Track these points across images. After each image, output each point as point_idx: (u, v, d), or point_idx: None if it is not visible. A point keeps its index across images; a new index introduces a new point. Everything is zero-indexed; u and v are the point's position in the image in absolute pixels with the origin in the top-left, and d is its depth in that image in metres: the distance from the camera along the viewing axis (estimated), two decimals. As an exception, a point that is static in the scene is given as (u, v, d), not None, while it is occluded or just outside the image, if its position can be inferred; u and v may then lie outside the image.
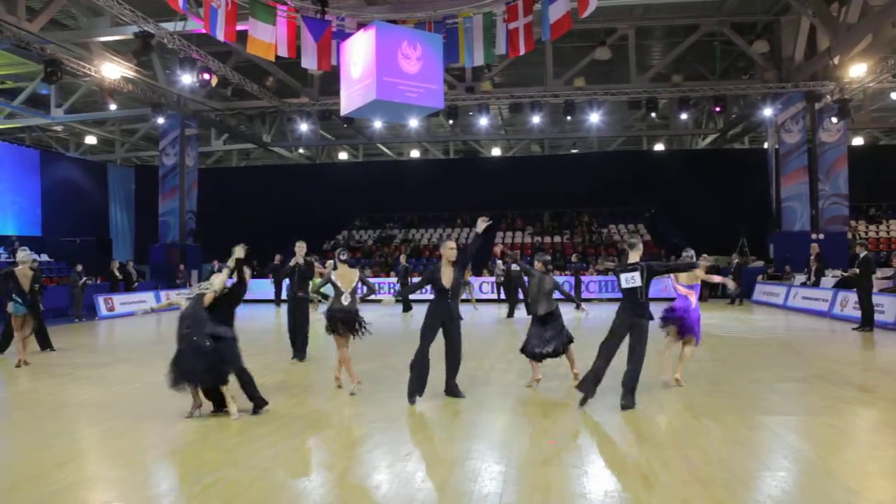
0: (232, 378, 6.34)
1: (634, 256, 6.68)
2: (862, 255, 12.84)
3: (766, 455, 5.06)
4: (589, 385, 6.57)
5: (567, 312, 9.19)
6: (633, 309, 6.46)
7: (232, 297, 6.60)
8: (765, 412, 6.42)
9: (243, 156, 34.86)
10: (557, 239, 27.28)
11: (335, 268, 7.63)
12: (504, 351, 10.90)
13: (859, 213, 25.08)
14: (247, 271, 6.84)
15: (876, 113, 26.39)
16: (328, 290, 7.78)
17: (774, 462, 4.88)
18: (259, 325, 16.71)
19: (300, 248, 9.82)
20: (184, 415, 6.34)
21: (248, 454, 5.18)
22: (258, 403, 6.47)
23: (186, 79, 16.17)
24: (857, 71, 18.41)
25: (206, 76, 16.20)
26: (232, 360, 6.31)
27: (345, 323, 7.37)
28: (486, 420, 6.21)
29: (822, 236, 20.29)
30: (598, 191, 27.89)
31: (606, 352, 6.56)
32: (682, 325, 7.67)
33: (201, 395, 6.40)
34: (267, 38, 12.20)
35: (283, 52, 12.34)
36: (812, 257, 18.03)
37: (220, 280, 6.52)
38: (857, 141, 29.05)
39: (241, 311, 20.21)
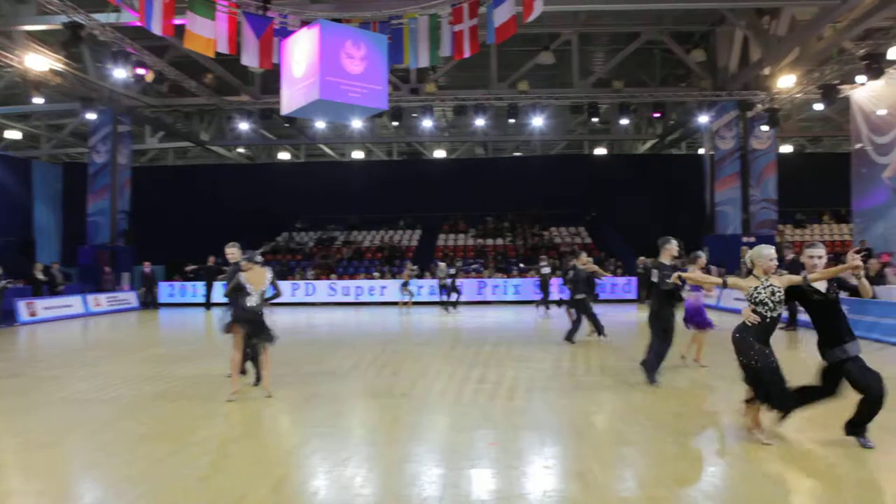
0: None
1: (664, 257, 7.76)
2: (790, 258, 13.38)
3: (699, 451, 5.25)
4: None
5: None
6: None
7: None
8: (700, 410, 6.65)
9: (180, 154, 33.74)
10: (500, 242, 27.47)
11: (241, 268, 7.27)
12: (446, 351, 10.90)
13: (787, 218, 26.12)
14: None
15: (802, 123, 27.67)
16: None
17: (707, 457, 5.08)
18: (191, 329, 16.24)
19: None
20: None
21: (179, 464, 4.99)
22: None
23: (119, 73, 15.51)
24: (786, 82, 19.18)
25: (141, 71, 15.60)
26: None
27: (249, 324, 7.13)
28: (426, 423, 6.17)
29: (753, 239, 21.02)
30: (540, 194, 28.22)
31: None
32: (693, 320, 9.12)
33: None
34: (206, 34, 11.83)
35: (223, 48, 12.00)
36: (743, 260, 18.70)
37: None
38: (786, 149, 30.32)
39: (174, 316, 19.52)
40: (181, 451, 5.28)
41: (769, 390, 5.16)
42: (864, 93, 18.17)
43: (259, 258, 7.36)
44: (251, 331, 7.15)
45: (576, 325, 11.62)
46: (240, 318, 7.10)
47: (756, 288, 5.18)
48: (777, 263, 5.29)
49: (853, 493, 4.31)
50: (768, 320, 5.15)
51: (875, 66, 15.61)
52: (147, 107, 22.68)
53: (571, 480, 4.50)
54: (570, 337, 11.53)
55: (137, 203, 24.48)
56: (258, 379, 7.68)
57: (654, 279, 7.72)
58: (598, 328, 11.80)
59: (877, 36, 15.68)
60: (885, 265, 13.81)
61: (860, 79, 16.48)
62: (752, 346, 5.16)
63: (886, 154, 17.64)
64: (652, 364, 7.83)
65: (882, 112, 17.69)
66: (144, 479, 4.62)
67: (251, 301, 7.10)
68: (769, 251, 5.24)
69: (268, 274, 7.29)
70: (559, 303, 17.58)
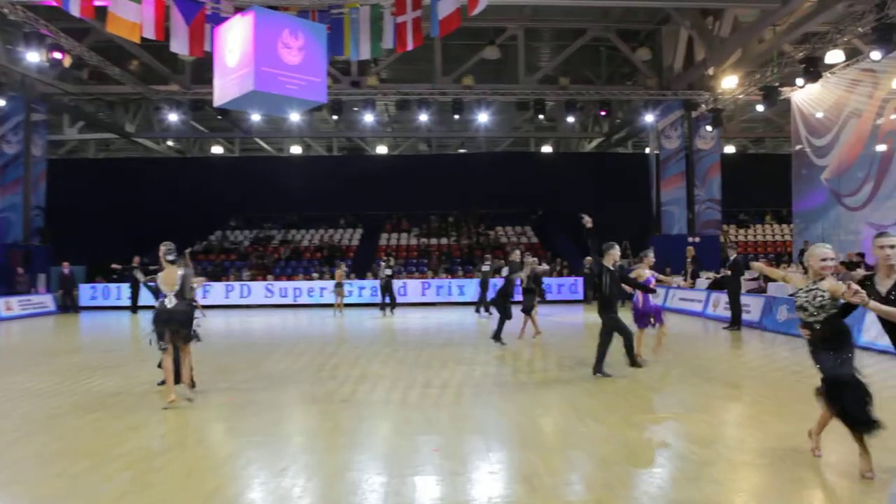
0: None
1: (607, 261, 8.01)
2: (732, 258, 13.55)
3: (645, 453, 5.24)
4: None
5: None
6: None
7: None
8: (644, 411, 6.67)
9: (102, 146, 32.06)
10: (444, 241, 27.19)
11: (162, 268, 6.93)
12: (387, 354, 10.64)
13: (730, 218, 26.67)
14: None
15: (745, 124, 28.41)
16: None
17: (652, 459, 5.09)
18: (115, 333, 15.38)
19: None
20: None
21: (101, 479, 4.60)
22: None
23: (33, 56, 14.44)
24: (729, 83, 19.52)
25: (58, 55, 14.56)
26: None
27: (169, 325, 6.76)
28: (367, 430, 5.92)
29: (697, 239, 21.38)
30: (485, 192, 28.00)
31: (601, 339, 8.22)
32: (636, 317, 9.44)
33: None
34: (131, 17, 11.08)
35: (150, 33, 11.24)
36: (689, 260, 18.98)
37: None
38: (729, 149, 30.92)
39: (96, 320, 18.53)
40: (101, 467, 4.86)
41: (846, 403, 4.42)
42: (803, 95, 18.71)
43: (171, 256, 6.89)
44: (170, 331, 6.79)
45: (501, 323, 11.47)
46: (156, 319, 6.81)
47: (798, 292, 4.68)
48: (831, 264, 4.63)
49: (795, 493, 4.28)
50: (817, 326, 4.61)
51: (813, 70, 16.04)
52: (65, 94, 21.36)
53: (518, 485, 4.43)
54: (496, 336, 11.40)
55: (55, 198, 23.03)
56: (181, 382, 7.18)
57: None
58: (497, 332, 11.43)
59: (814, 40, 16.11)
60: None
61: (799, 81, 16.89)
62: (815, 356, 4.65)
63: (824, 156, 18.25)
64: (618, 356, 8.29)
65: (819, 115, 18.28)
66: (57, 499, 4.25)
67: (168, 301, 6.81)
68: (821, 250, 4.60)
69: (178, 272, 6.87)
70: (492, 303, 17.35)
